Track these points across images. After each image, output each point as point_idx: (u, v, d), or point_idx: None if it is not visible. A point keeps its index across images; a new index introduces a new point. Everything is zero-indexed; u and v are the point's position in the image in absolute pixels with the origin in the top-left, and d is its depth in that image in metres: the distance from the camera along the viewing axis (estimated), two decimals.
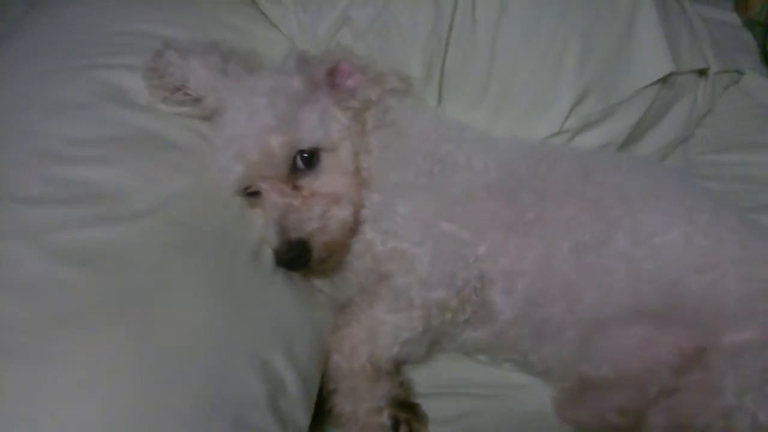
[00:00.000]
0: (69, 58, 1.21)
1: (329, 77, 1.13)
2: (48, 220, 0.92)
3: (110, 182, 0.99)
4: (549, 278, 1.01)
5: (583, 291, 0.99)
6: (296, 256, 1.01)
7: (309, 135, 1.06)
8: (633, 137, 1.32)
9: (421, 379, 1.08)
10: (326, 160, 1.08)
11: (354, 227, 1.08)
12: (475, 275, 1.01)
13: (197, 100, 1.14)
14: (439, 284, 0.99)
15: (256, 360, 0.87)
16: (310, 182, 1.07)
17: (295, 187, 1.06)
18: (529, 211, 1.04)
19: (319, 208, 1.04)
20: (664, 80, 1.27)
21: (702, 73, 1.40)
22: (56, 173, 0.98)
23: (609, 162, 1.14)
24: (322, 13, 1.29)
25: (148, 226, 0.95)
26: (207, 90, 1.13)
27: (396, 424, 0.95)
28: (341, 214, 1.06)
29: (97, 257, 0.89)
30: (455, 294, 0.99)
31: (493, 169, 1.10)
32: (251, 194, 1.08)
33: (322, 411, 0.99)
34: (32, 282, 0.85)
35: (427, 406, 1.02)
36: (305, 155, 1.06)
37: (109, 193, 0.98)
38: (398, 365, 1.04)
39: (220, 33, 1.32)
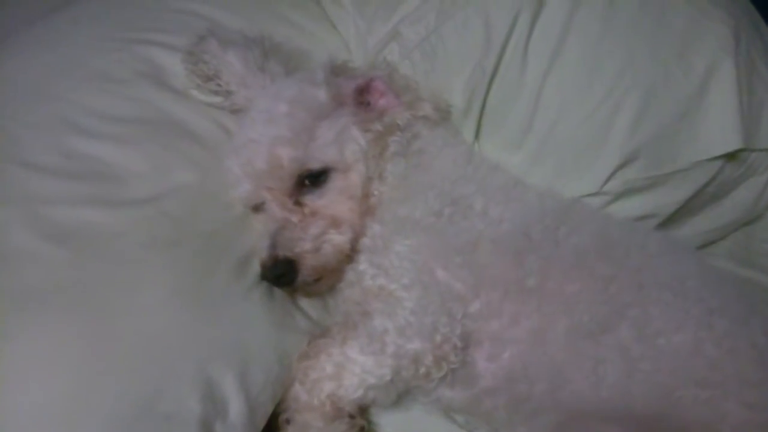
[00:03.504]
0: (120, 29, 1.22)
1: (358, 94, 1.09)
2: (47, 192, 0.93)
3: (119, 164, 1.00)
4: (537, 354, 0.93)
5: (570, 377, 0.90)
6: (280, 275, 0.98)
7: (320, 153, 1.03)
8: (685, 212, 1.20)
9: (389, 426, 1.02)
10: (335, 180, 1.04)
11: (351, 255, 1.04)
12: (459, 334, 0.93)
13: (229, 93, 1.13)
14: (417, 335, 0.92)
15: (202, 377, 0.84)
16: (313, 200, 1.04)
17: (298, 203, 1.03)
18: (532, 277, 0.96)
19: (316, 230, 1.00)
20: (731, 156, 1.13)
21: None
22: (70, 144, 1.00)
23: (636, 240, 1.02)
24: (375, 24, 1.24)
25: (140, 215, 0.95)
26: (238, 85, 1.12)
27: None
28: (338, 239, 1.02)
29: (80, 239, 0.89)
30: (432, 349, 0.92)
31: (508, 222, 1.02)
32: None
33: None
34: (11, 252, 0.86)
35: None
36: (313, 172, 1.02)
37: (113, 175, 0.98)
38: (363, 408, 0.99)
39: (277, 27, 1.32)
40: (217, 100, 1.14)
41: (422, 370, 0.93)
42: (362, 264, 1.02)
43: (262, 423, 0.91)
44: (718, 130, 1.11)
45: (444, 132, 1.15)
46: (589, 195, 1.15)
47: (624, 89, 1.10)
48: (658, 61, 1.11)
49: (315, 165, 1.02)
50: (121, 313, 0.85)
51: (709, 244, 1.30)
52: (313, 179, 1.03)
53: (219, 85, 1.12)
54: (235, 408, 0.86)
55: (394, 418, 1.03)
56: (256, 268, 1.00)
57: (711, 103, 1.12)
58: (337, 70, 1.10)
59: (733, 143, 1.11)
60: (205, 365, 0.86)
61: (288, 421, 0.95)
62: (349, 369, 0.93)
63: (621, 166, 1.12)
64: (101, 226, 0.91)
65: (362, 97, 1.10)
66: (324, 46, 1.31)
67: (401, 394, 0.99)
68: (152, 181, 1.00)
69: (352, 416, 0.95)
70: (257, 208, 1.06)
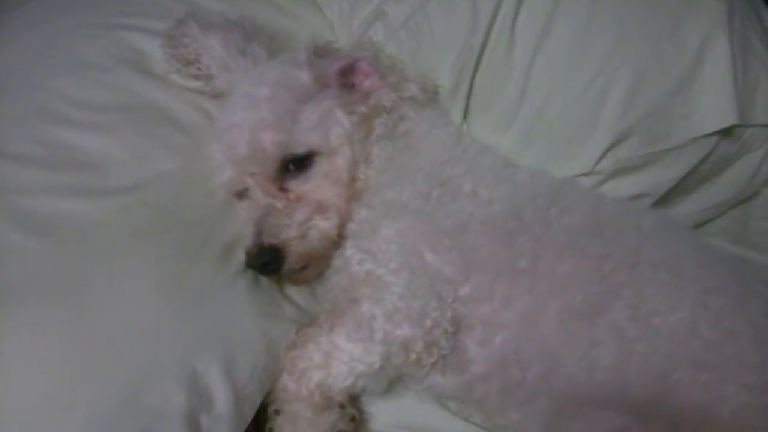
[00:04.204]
0: (100, 14, 1.19)
1: (341, 76, 1.06)
2: (27, 182, 0.91)
3: (100, 152, 0.97)
4: (530, 338, 0.90)
5: (563, 360, 0.88)
6: (266, 262, 0.96)
7: (304, 137, 1.00)
8: (680, 190, 1.18)
9: (381, 414, 1.00)
10: (320, 164, 1.02)
11: (338, 241, 1.01)
12: (449, 318, 0.91)
13: (210, 77, 1.10)
14: (406, 320, 0.89)
15: (186, 369, 0.82)
16: (298, 185, 1.01)
17: (282, 189, 1.01)
18: (523, 258, 0.93)
19: (301, 216, 0.98)
20: (726, 132, 1.11)
21: None
22: (51, 134, 0.97)
23: (629, 219, 1.00)
24: (359, 3, 1.21)
25: (121, 204, 0.93)
26: (219, 68, 1.09)
27: None
28: (324, 225, 0.99)
29: (60, 230, 0.87)
30: (422, 334, 0.89)
31: (498, 203, 0.99)
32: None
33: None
34: None
35: None
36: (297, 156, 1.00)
37: (94, 164, 0.96)
38: (354, 397, 0.96)
39: (259, 8, 1.28)
40: (198, 84, 1.12)
41: (412, 356, 0.91)
42: (349, 249, 0.99)
43: (250, 414, 0.89)
44: (713, 106, 1.09)
45: (431, 113, 1.12)
46: (581, 175, 1.13)
47: (615, 67, 1.08)
48: (650, 37, 1.09)
49: (299, 149, 1.00)
50: (104, 305, 0.82)
51: (704, 222, 1.28)
52: (297, 164, 1.00)
53: (200, 69, 1.09)
54: (221, 399, 0.84)
55: (386, 407, 1.01)
56: (240, 256, 0.98)
57: (705, 80, 1.09)
58: (320, 51, 1.07)
59: (728, 119, 1.09)
60: (189, 357, 0.83)
61: (277, 412, 0.92)
62: (337, 357, 0.91)
63: (613, 145, 1.09)
64: (82, 217, 0.88)
65: (346, 78, 1.07)
66: (307, 28, 1.28)
67: (392, 382, 0.98)
68: (133, 170, 0.97)
69: (342, 406, 0.92)
70: (241, 194, 1.04)
